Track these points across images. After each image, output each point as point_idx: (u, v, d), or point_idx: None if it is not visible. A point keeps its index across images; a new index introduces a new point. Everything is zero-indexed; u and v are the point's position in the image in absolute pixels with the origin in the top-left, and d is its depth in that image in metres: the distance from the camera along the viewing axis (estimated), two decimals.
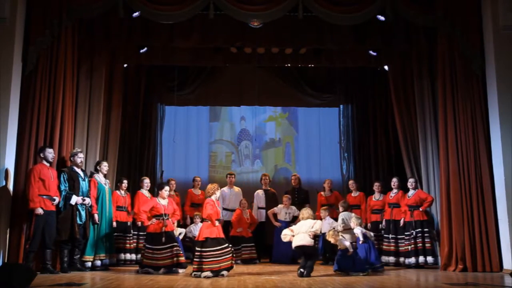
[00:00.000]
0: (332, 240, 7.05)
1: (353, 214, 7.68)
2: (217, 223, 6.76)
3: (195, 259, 6.65)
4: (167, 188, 7.47)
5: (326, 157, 11.54)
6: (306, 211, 7.14)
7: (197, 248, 6.68)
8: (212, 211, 6.73)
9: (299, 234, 6.80)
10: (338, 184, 10.75)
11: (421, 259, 7.87)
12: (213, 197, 6.90)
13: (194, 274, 6.52)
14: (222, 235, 6.78)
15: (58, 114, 7.30)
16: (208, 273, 6.43)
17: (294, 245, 6.82)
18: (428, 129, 8.35)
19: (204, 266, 6.50)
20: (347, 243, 6.97)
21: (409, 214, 8.04)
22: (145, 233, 7.52)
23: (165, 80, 10.87)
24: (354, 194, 9.01)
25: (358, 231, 7.23)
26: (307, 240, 6.73)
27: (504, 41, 7.45)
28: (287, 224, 8.60)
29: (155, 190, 8.75)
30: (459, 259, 7.24)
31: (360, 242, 7.19)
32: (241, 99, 11.34)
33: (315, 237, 7.05)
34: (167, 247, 7.04)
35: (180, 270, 7.03)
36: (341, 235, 7.08)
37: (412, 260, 7.91)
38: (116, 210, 8.01)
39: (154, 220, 7.11)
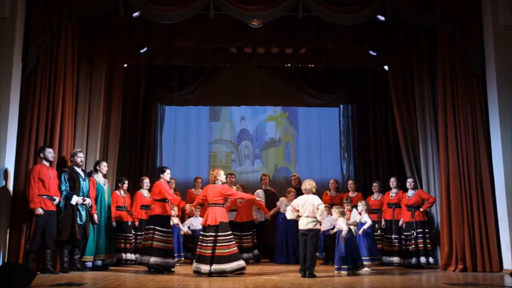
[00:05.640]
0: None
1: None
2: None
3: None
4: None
5: (326, 157, 11.56)
6: (309, 183, 6.76)
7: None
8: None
9: (304, 217, 6.59)
10: (338, 184, 10.73)
11: (422, 259, 7.86)
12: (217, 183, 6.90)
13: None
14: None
15: (58, 114, 7.29)
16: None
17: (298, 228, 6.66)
18: (428, 129, 8.35)
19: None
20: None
21: (410, 214, 8.03)
22: (142, 233, 7.72)
23: (165, 80, 10.87)
24: (352, 194, 9.00)
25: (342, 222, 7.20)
26: (312, 225, 6.58)
27: (504, 41, 7.45)
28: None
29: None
30: (459, 259, 7.24)
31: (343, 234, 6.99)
32: (241, 99, 11.34)
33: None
34: None
35: None
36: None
37: (413, 260, 7.91)
38: (116, 210, 8.04)
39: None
